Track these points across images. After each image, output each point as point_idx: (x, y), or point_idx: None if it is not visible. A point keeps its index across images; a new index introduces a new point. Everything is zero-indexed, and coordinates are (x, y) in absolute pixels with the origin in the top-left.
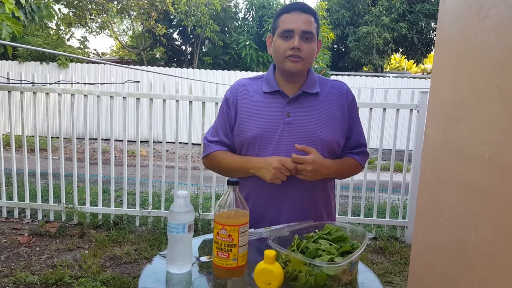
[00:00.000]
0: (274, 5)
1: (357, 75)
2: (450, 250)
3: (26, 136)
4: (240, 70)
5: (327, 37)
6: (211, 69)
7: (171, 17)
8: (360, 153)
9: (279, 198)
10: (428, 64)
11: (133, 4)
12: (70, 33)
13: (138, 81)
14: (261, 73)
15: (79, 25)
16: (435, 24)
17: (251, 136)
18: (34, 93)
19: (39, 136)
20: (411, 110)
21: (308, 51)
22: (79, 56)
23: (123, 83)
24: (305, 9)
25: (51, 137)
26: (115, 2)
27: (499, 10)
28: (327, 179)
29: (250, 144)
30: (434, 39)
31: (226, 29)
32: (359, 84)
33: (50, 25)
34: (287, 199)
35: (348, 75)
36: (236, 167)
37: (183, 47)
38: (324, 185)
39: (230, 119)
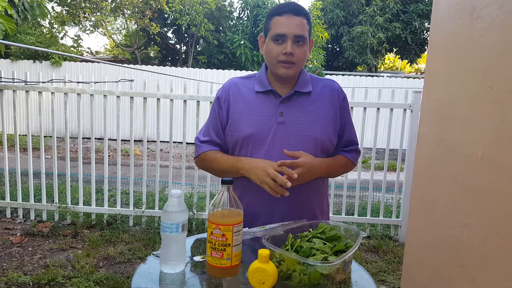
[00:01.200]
0: (269, 4)
1: (351, 74)
2: (443, 248)
3: (19, 135)
4: (235, 69)
5: (321, 36)
6: (206, 68)
7: (166, 15)
8: (351, 151)
9: (272, 198)
10: (421, 64)
11: (127, 3)
12: (64, 31)
13: (132, 80)
14: (254, 72)
15: (72, 23)
16: (429, 24)
17: (245, 135)
18: (26, 92)
19: (32, 135)
20: (405, 109)
21: (301, 55)
22: (72, 55)
23: (116, 82)
24: (298, 11)
25: (44, 136)
26: (109, 0)
27: (492, 10)
28: (319, 178)
29: (243, 143)
30: (428, 39)
31: (220, 28)
32: (353, 84)
33: (43, 23)
34: (279, 199)
35: (343, 74)
36: (227, 168)
37: (178, 46)
38: (317, 184)
39: (222, 119)
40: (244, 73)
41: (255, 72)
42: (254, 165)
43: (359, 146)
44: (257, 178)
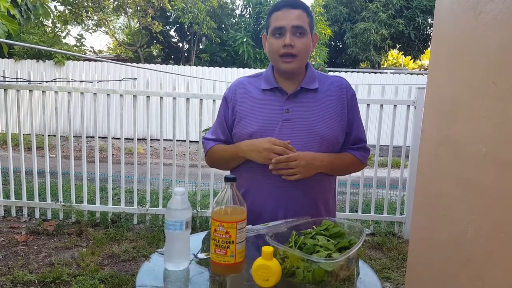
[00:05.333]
0: (271, 2)
1: (355, 71)
2: (447, 245)
3: (23, 134)
4: (238, 67)
5: (324, 33)
6: (208, 66)
7: (168, 14)
8: (359, 149)
9: (277, 196)
10: (425, 60)
11: (129, 1)
12: (66, 30)
13: (135, 79)
14: (259, 70)
15: (75, 22)
16: (432, 20)
17: (250, 132)
18: (30, 91)
19: (36, 134)
20: (409, 106)
21: (301, 47)
22: (75, 54)
23: (119, 80)
24: (295, 4)
25: (48, 135)
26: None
27: (495, 5)
28: (325, 176)
29: None
30: (431, 35)
31: (223, 26)
32: (356, 81)
33: (46, 22)
34: (285, 197)
35: (346, 71)
36: (228, 156)
37: (180, 44)
38: (321, 181)
39: (228, 118)
40: (246, 70)
41: (263, 70)
42: (253, 146)
43: (367, 144)
44: (260, 157)
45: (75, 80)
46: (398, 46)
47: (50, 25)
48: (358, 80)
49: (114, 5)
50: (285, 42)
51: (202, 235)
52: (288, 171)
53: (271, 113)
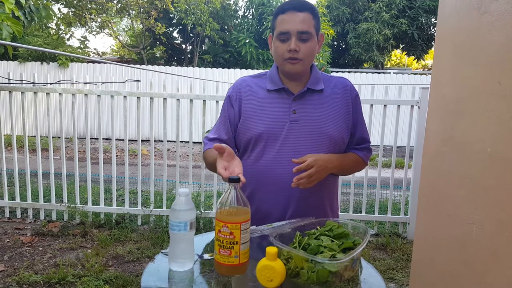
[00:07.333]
0: (274, 3)
1: (358, 71)
2: (452, 245)
3: (28, 136)
4: (241, 68)
5: (327, 34)
6: (211, 68)
7: (171, 15)
8: (363, 149)
9: (284, 198)
10: (428, 60)
11: (132, 3)
12: (70, 33)
13: (138, 80)
14: (261, 70)
15: (79, 24)
16: (436, 19)
17: (258, 133)
18: (35, 93)
19: (41, 136)
20: (412, 106)
21: (306, 51)
22: (79, 56)
23: (123, 82)
24: (301, 7)
25: (52, 137)
26: (115, 1)
27: (499, 4)
28: (331, 176)
29: (256, 142)
30: (435, 34)
31: (226, 27)
32: (359, 81)
33: (50, 25)
34: (292, 198)
35: (349, 72)
36: (213, 161)
37: (183, 46)
38: (328, 183)
39: (232, 117)
40: (249, 71)
41: (266, 70)
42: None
43: (370, 144)
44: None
45: (79, 82)
46: (401, 46)
47: (54, 27)
48: (362, 81)
49: (118, 7)
50: (290, 48)
51: (206, 235)
52: (308, 181)
53: (278, 114)
